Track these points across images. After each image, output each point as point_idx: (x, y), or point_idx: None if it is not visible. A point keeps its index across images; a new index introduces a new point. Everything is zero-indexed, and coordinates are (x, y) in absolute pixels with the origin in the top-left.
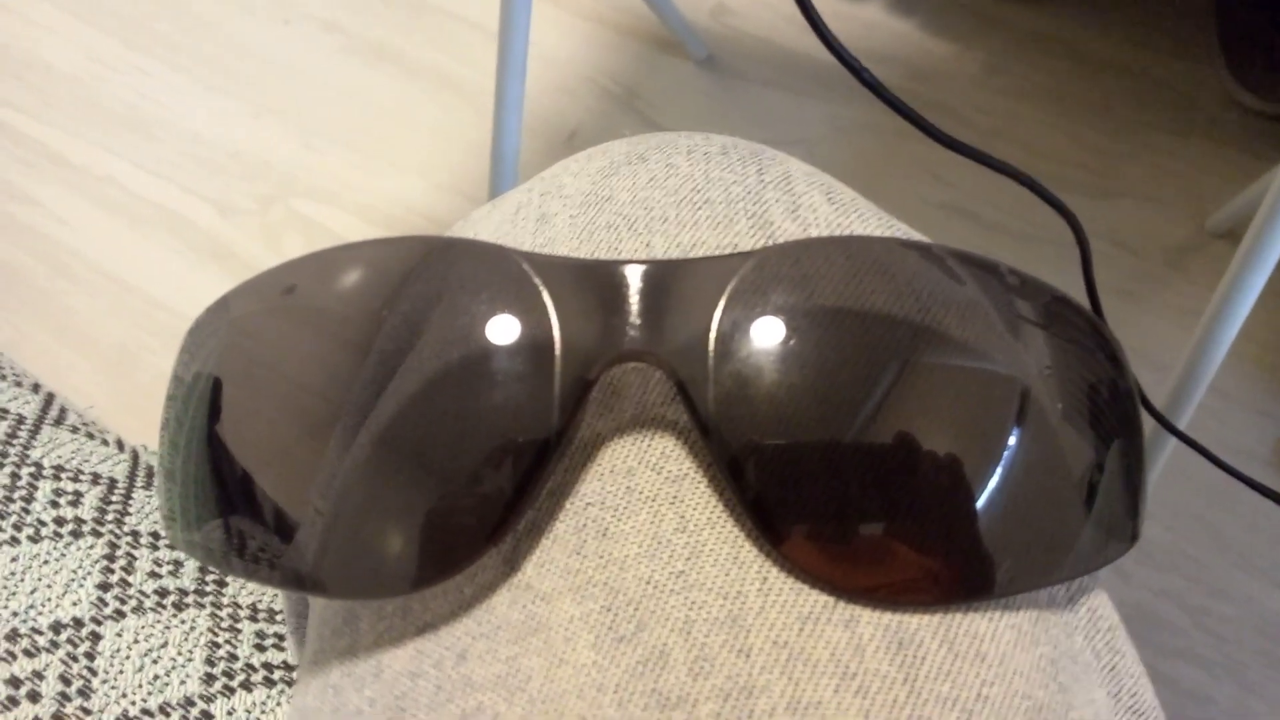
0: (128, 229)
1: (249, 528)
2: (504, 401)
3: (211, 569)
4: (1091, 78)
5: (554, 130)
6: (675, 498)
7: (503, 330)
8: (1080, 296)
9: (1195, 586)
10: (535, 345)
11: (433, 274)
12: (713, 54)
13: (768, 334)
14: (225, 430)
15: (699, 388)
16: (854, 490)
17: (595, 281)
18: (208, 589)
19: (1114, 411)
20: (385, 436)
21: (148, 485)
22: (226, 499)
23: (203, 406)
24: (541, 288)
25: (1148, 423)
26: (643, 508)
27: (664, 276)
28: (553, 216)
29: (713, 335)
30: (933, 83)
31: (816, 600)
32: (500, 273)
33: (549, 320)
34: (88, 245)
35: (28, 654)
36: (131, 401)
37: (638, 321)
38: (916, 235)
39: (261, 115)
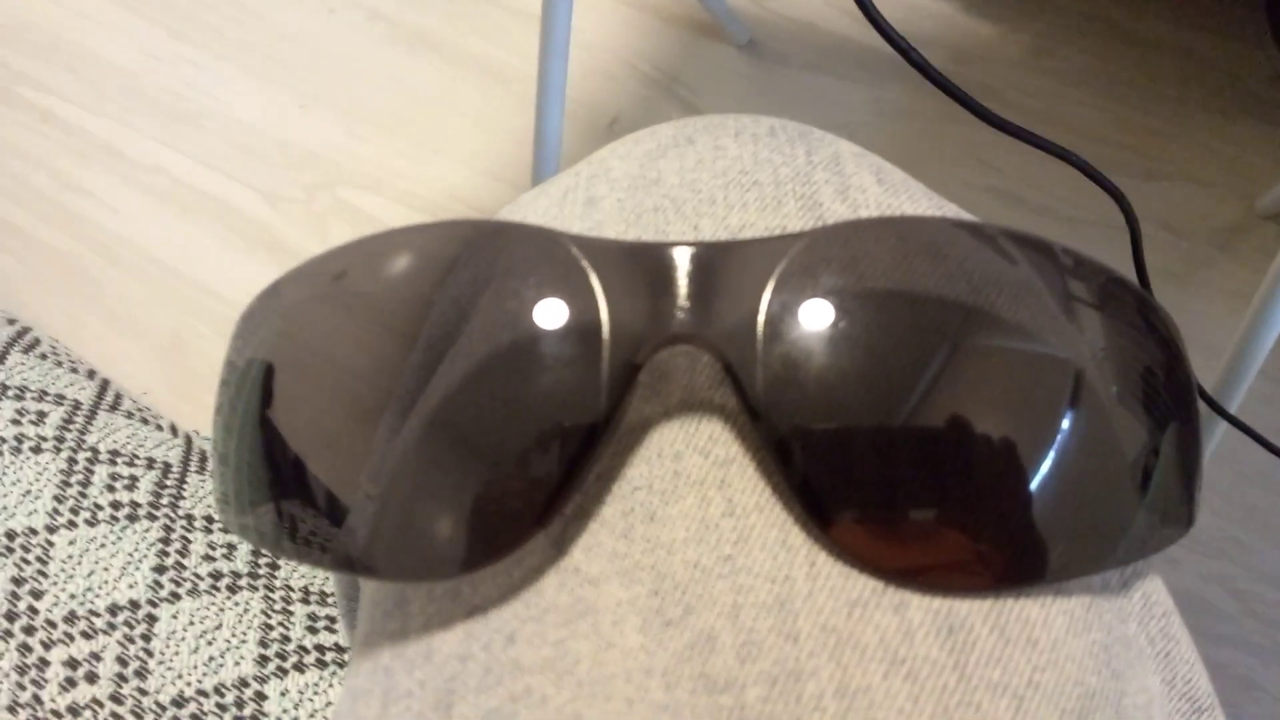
0: (178, 218)
1: (301, 511)
2: (552, 385)
3: (264, 552)
4: (1137, 58)
5: (595, 116)
6: (723, 482)
7: (551, 313)
8: (1129, 278)
9: (1245, 572)
10: (583, 329)
11: (481, 258)
12: (754, 38)
13: (817, 317)
14: (277, 415)
15: (748, 371)
16: (903, 474)
17: (643, 264)
18: (260, 572)
19: (1169, 394)
20: (435, 420)
21: (201, 470)
22: (279, 482)
23: (255, 391)
24: (589, 270)
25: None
26: (690, 492)
27: (712, 259)
28: (600, 200)
29: (761, 318)
30: (977, 65)
31: (865, 585)
32: (548, 256)
33: (597, 303)
34: (139, 234)
35: (85, 636)
36: (184, 388)
37: (686, 304)
38: (968, 216)
39: (308, 104)
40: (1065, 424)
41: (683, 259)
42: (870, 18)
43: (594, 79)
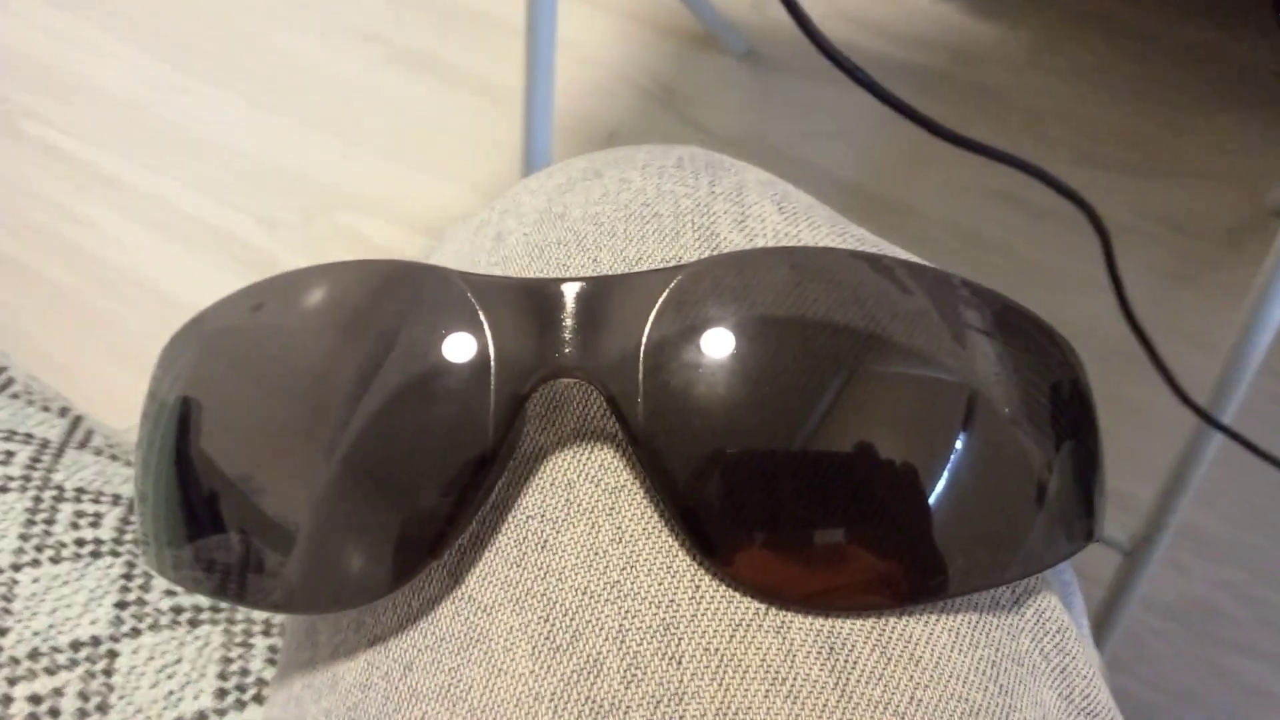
0: (177, 247)
1: (208, 549)
2: (443, 418)
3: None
4: (1142, 55)
5: (593, 131)
6: (612, 509)
7: (442, 349)
8: (1135, 281)
9: (1255, 579)
10: (471, 363)
11: (383, 296)
12: (753, 48)
13: (697, 347)
14: (186, 450)
15: (629, 402)
16: (784, 499)
17: (531, 300)
18: (222, 606)
19: (1065, 415)
20: (337, 455)
21: None
22: (190, 520)
23: (169, 425)
24: (478, 308)
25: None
26: (581, 519)
27: (597, 293)
28: (508, 234)
29: (641, 350)
30: (978, 66)
31: (749, 607)
32: (441, 294)
33: (485, 338)
34: (138, 265)
35: (48, 671)
36: None
37: (570, 338)
38: (874, 242)
39: (304, 129)
40: (951, 444)
41: (569, 294)
42: (812, 38)
43: (592, 94)
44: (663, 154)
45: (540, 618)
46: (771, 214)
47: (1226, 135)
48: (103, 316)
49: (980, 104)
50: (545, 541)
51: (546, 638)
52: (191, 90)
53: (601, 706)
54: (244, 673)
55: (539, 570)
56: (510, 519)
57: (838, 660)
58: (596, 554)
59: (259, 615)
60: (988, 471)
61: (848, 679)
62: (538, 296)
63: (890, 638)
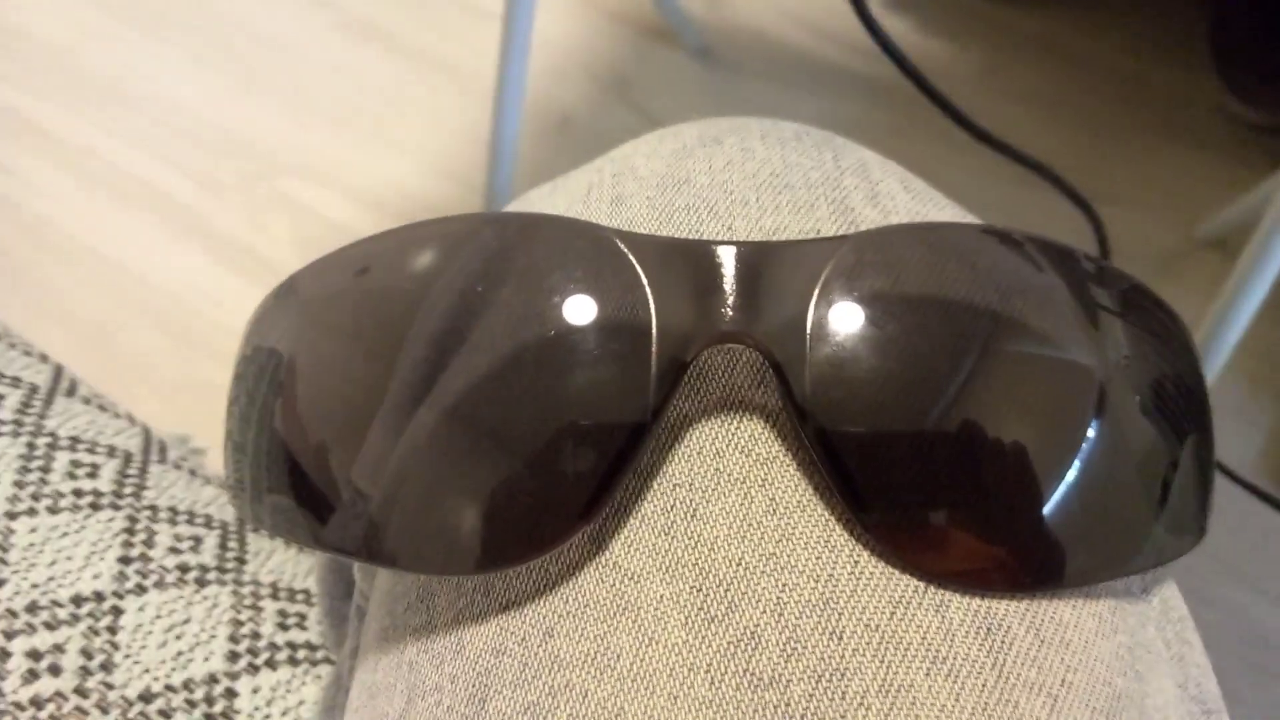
0: (108, 202)
1: (327, 500)
2: (599, 381)
3: (280, 539)
4: (1085, 82)
5: (546, 115)
6: (765, 480)
7: (599, 309)
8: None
9: (1183, 594)
10: (632, 325)
11: (522, 251)
12: (709, 46)
13: (862, 319)
14: (301, 405)
15: (795, 370)
16: (944, 477)
17: (691, 261)
18: (229, 566)
19: (1188, 403)
20: (477, 413)
21: (162, 460)
22: (302, 470)
23: (280, 382)
24: (638, 266)
25: None
26: (732, 490)
27: (758, 258)
28: (629, 198)
29: (810, 318)
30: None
31: (908, 585)
32: (593, 250)
33: (646, 300)
34: (67, 218)
35: (48, 626)
36: (110, 375)
37: (734, 302)
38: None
39: (250, 91)
40: (1093, 431)
41: (729, 257)
42: (876, 37)
43: (547, 77)
44: (776, 127)
45: (693, 588)
46: (899, 192)
47: (1160, 166)
48: (28, 270)
49: (928, 119)
50: (695, 510)
51: (700, 608)
52: (130, 41)
53: (761, 679)
54: (255, 636)
55: (689, 539)
56: (655, 487)
57: (995, 641)
58: (750, 525)
59: (266, 578)
60: (1130, 458)
61: (1004, 660)
62: (698, 258)
63: (1043, 620)
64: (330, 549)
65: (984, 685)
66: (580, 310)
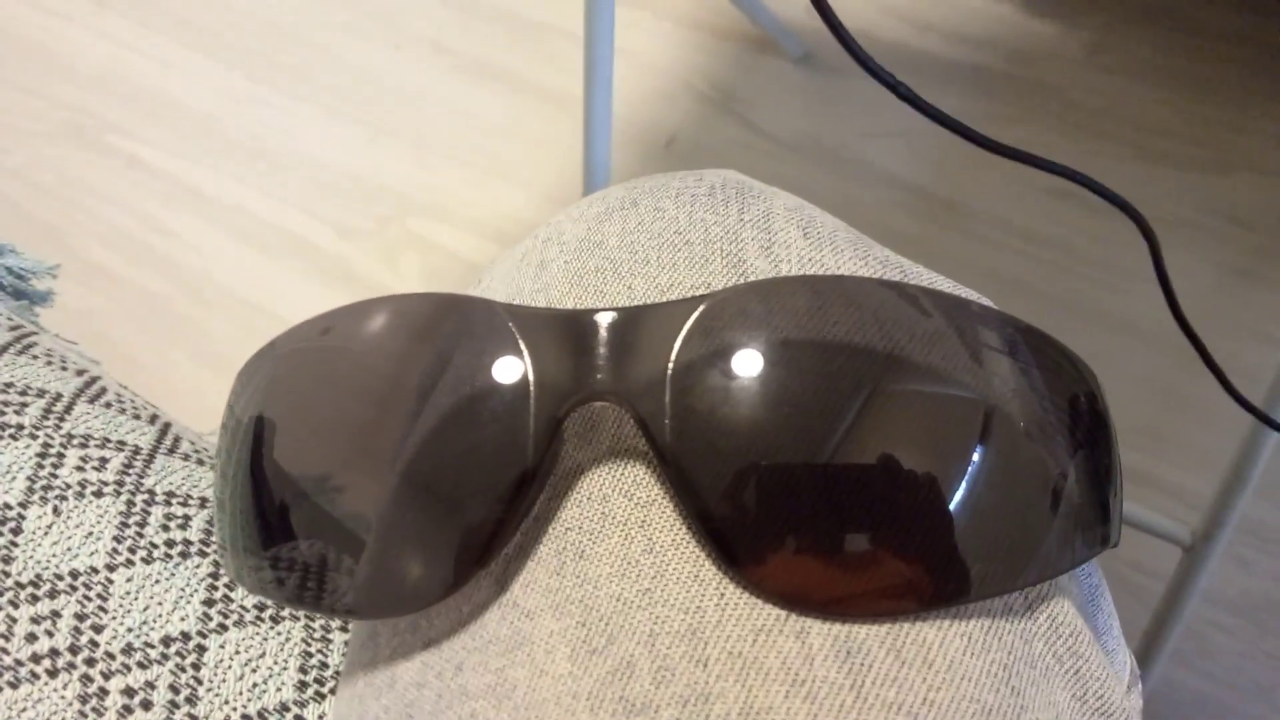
0: (258, 254)
1: (281, 557)
2: (489, 438)
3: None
4: (1201, 50)
5: (652, 137)
6: (644, 522)
7: (489, 376)
8: (1196, 277)
9: None
10: (513, 388)
11: (437, 325)
12: (810, 51)
13: (720, 371)
14: (261, 465)
15: (658, 423)
16: (803, 513)
17: (567, 329)
18: None
19: (1080, 427)
20: (395, 471)
21: None
22: (264, 530)
23: (245, 440)
24: (519, 337)
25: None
26: (615, 531)
27: (627, 322)
28: (550, 262)
29: (669, 374)
30: (1036, 65)
31: (770, 613)
32: (487, 324)
33: (525, 365)
34: (222, 271)
35: (141, 666)
36: None
37: (603, 364)
38: (898, 263)
39: (378, 138)
40: (965, 458)
41: (602, 323)
42: (851, 52)
43: (650, 100)
44: (696, 181)
45: (578, 622)
46: (797, 239)
47: None
48: (188, 322)
49: (1040, 103)
50: (583, 551)
51: (584, 641)
52: (270, 103)
53: (634, 705)
54: (323, 666)
55: (577, 578)
56: (550, 530)
57: (854, 663)
58: (630, 563)
59: None
60: (1002, 482)
61: (863, 681)
62: (573, 326)
63: (905, 642)
64: (295, 605)
65: (842, 705)
66: (475, 377)
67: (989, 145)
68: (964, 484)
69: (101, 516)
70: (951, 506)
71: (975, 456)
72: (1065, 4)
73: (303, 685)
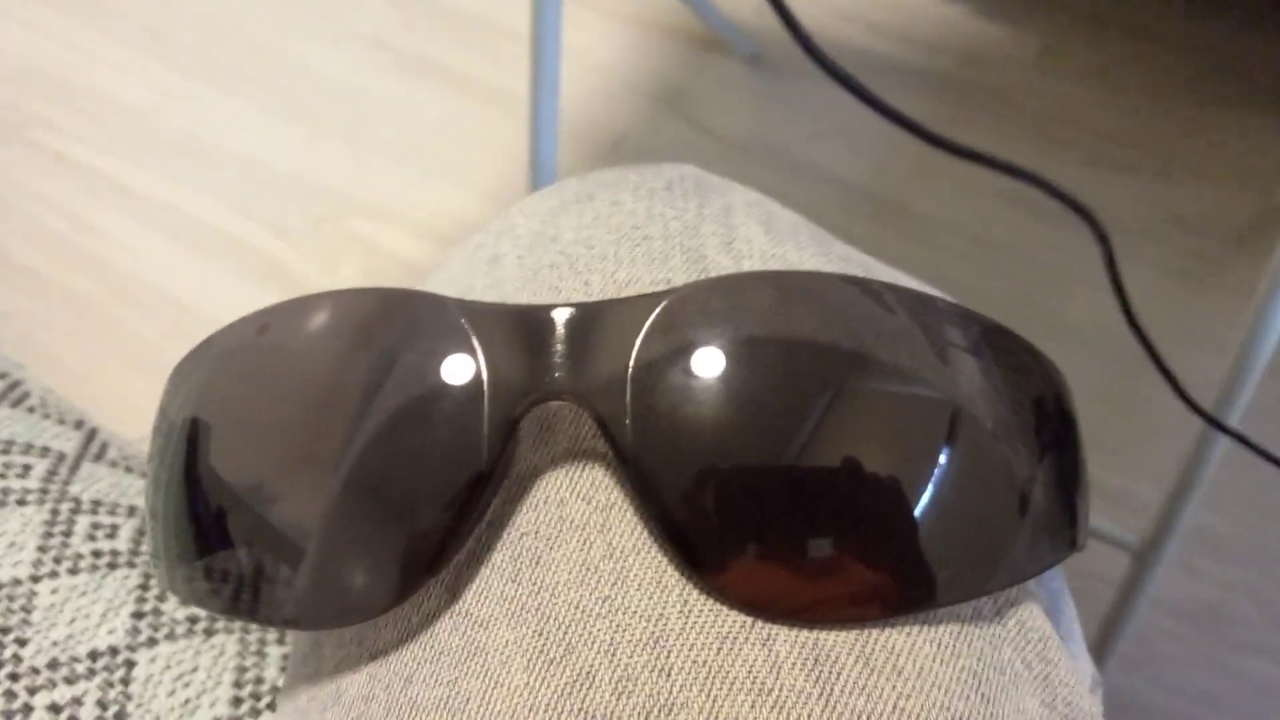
0: (190, 254)
1: (216, 566)
2: (440, 440)
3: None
4: (1150, 56)
5: (600, 137)
6: (604, 526)
7: (439, 374)
8: (1144, 282)
9: (1265, 580)
10: (466, 388)
11: (384, 322)
12: (759, 51)
13: (682, 370)
14: (195, 470)
15: (618, 423)
16: (769, 517)
17: (522, 326)
18: None
19: (1048, 429)
20: (338, 475)
21: None
22: (198, 538)
23: (179, 445)
24: (472, 334)
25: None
26: (573, 536)
27: (585, 319)
28: (503, 257)
29: (629, 373)
30: (987, 69)
31: (735, 620)
32: (438, 321)
33: (479, 364)
34: (152, 272)
35: (67, 681)
36: None
37: (560, 363)
38: (860, 259)
39: (315, 136)
40: (932, 460)
41: (559, 320)
42: (806, 49)
43: (598, 99)
44: (653, 175)
45: (535, 632)
46: (758, 235)
47: (1235, 135)
48: (118, 324)
49: (989, 107)
50: (539, 558)
51: (541, 651)
52: (203, 98)
53: (594, 717)
54: (258, 680)
55: (533, 586)
56: (505, 536)
57: (822, 671)
58: (589, 570)
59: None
60: (969, 485)
61: (832, 690)
62: (529, 322)
63: (873, 650)
64: (230, 615)
65: (810, 715)
66: (425, 376)
67: (948, 147)
68: (931, 486)
69: (25, 526)
70: (919, 509)
71: (943, 458)
72: (1016, 8)
73: (237, 701)
